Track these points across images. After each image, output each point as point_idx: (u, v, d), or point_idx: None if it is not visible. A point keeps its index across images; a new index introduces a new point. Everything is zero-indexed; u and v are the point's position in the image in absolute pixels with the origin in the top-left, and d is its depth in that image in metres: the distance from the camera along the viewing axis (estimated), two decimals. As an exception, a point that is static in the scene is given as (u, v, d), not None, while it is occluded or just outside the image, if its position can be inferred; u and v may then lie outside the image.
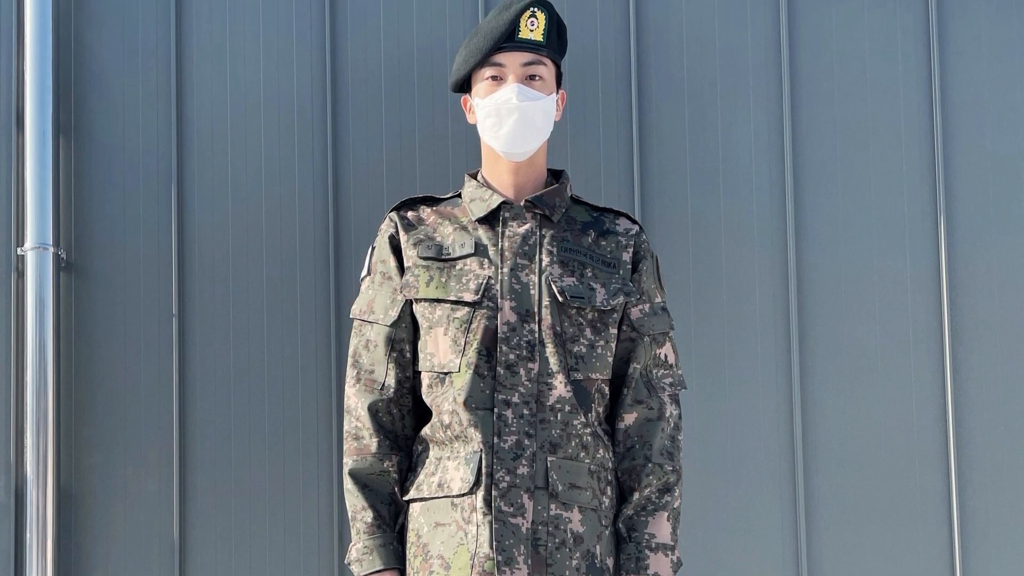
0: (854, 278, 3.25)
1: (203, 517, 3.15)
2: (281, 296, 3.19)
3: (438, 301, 2.66)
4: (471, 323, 2.62)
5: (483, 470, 2.57)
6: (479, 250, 2.69)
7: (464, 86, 2.79)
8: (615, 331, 2.69)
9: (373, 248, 2.79)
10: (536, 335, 2.62)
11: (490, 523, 2.55)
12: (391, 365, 2.69)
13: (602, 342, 2.67)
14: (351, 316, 2.76)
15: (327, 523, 3.15)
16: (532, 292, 2.65)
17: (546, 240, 2.70)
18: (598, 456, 2.65)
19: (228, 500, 3.15)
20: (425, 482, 2.64)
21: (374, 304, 2.73)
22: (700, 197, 3.24)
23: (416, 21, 3.24)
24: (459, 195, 2.80)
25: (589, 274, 2.69)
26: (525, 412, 2.59)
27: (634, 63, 3.26)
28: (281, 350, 3.18)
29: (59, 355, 3.13)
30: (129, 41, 3.22)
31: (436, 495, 2.61)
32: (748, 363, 3.22)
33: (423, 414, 2.70)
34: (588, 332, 2.66)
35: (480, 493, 2.56)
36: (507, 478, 2.56)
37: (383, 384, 2.68)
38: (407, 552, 2.64)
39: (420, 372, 2.69)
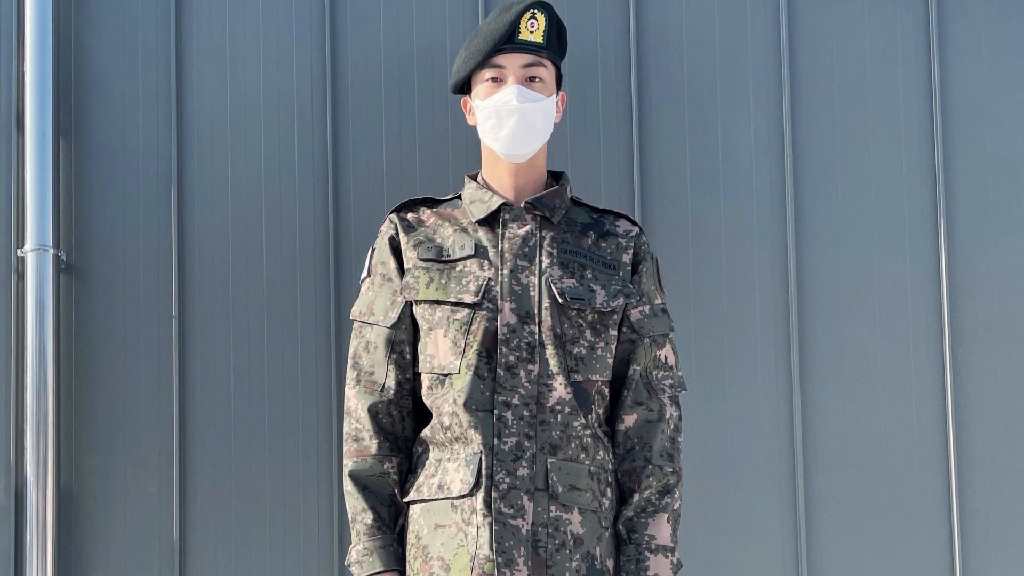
0: (854, 280, 3.25)
1: (203, 519, 3.15)
2: (281, 298, 3.19)
3: (438, 303, 2.66)
4: (471, 325, 2.62)
5: (483, 472, 2.57)
6: (479, 252, 2.69)
7: (464, 88, 2.79)
8: (615, 333, 2.69)
9: (373, 250, 2.79)
10: (536, 337, 2.62)
11: (490, 525, 2.55)
12: (391, 367, 2.69)
13: (602, 344, 2.67)
14: (351, 318, 2.76)
15: (327, 525, 3.15)
16: (532, 294, 2.65)
17: (546, 242, 2.70)
18: (598, 458, 2.65)
19: (228, 502, 3.15)
20: (425, 484, 2.64)
21: (374, 306, 2.73)
22: (700, 199, 3.24)
23: (416, 23, 3.24)
24: (459, 197, 2.80)
25: (589, 276, 2.69)
26: (525, 414, 2.59)
27: (634, 65, 3.26)
28: (281, 352, 3.18)
29: (59, 357, 3.13)
30: (129, 43, 3.22)
31: (436, 497, 2.61)
32: (748, 365, 3.22)
33: (423, 416, 2.70)
34: (588, 334, 2.66)
35: (480, 495, 2.56)
36: (507, 480, 2.56)
37: (383, 386, 2.68)
38: (407, 554, 2.64)
39: (420, 374, 2.69)
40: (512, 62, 2.69)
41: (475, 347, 2.61)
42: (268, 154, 3.21)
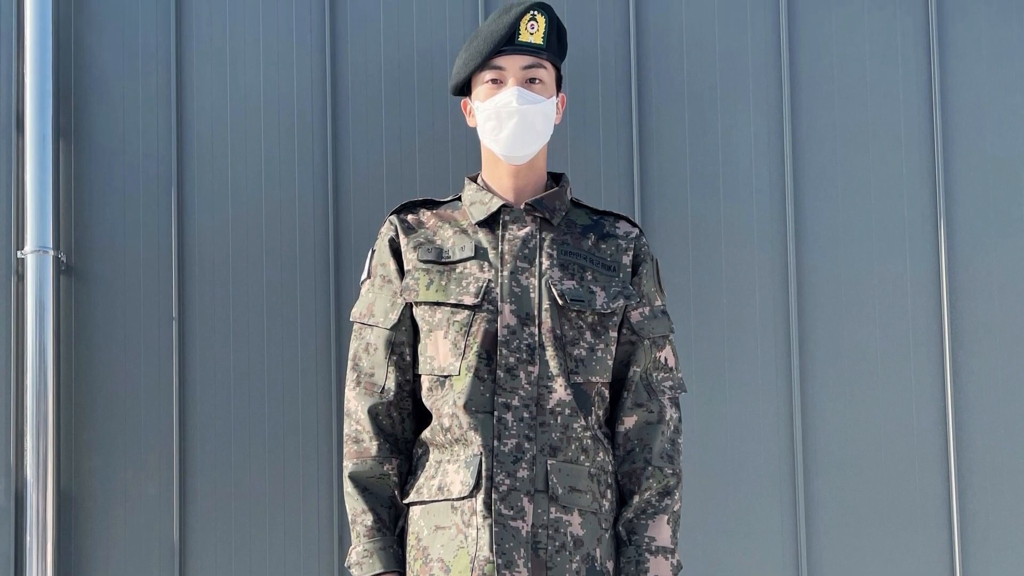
0: (854, 281, 3.25)
1: (203, 520, 3.15)
2: (281, 299, 3.19)
3: (438, 304, 2.66)
4: (471, 326, 2.62)
5: (483, 473, 2.57)
6: (479, 253, 2.69)
7: (464, 89, 2.79)
8: (615, 334, 2.69)
9: (373, 251, 2.79)
10: (536, 338, 2.62)
11: (490, 526, 2.55)
12: (391, 368, 2.69)
13: (602, 345, 2.67)
14: (351, 319, 2.76)
15: (327, 526, 3.15)
16: (532, 295, 2.64)
17: (546, 243, 2.70)
18: (598, 459, 2.65)
19: (228, 503, 3.15)
20: (425, 485, 2.64)
21: (374, 307, 2.73)
22: (700, 200, 3.24)
23: (416, 24, 3.24)
24: (459, 198, 2.80)
25: (589, 277, 2.69)
26: (525, 415, 2.59)
27: (634, 66, 3.26)
28: (281, 353, 3.18)
29: (59, 358, 3.13)
30: (129, 44, 3.22)
31: (436, 498, 2.61)
32: (748, 366, 3.22)
33: (423, 417, 2.70)
34: (588, 335, 2.66)
35: (480, 496, 2.56)
36: (507, 481, 2.56)
37: (383, 387, 2.68)
38: (407, 555, 2.64)
39: (420, 375, 2.69)
40: (512, 64, 2.70)
41: (475, 349, 2.61)
42: (268, 156, 3.21)
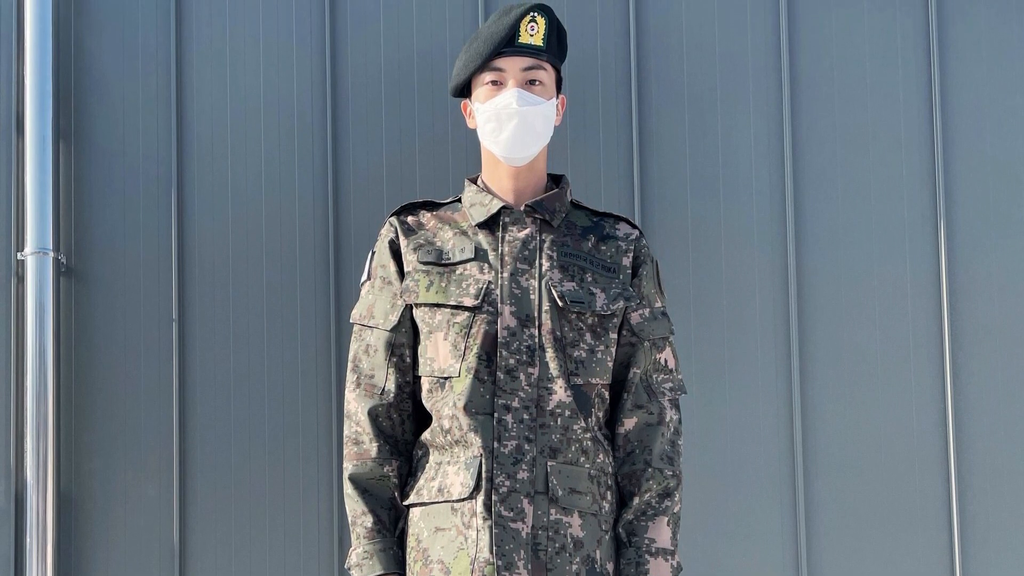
0: (854, 283, 3.25)
1: (203, 522, 3.15)
2: (281, 301, 3.19)
3: (438, 306, 2.66)
4: (471, 328, 2.62)
5: (483, 475, 2.57)
6: (479, 255, 2.69)
7: (464, 91, 2.79)
8: (615, 336, 2.69)
9: (373, 253, 2.79)
10: (536, 340, 2.62)
11: (490, 528, 2.54)
12: (391, 370, 2.69)
13: (602, 347, 2.67)
14: (351, 321, 2.76)
15: (327, 528, 3.15)
16: (532, 297, 2.64)
17: (546, 245, 2.70)
18: (598, 461, 2.65)
19: (228, 505, 3.15)
20: (425, 487, 2.64)
21: (374, 309, 2.72)
22: (700, 202, 3.24)
23: (416, 26, 3.24)
24: (459, 200, 2.80)
25: (589, 279, 2.69)
26: (525, 417, 2.59)
27: (634, 68, 3.26)
28: (281, 355, 3.18)
29: (59, 360, 3.13)
30: (129, 45, 3.22)
31: (436, 500, 2.61)
32: (748, 368, 3.22)
33: (423, 419, 2.70)
34: (588, 337, 2.66)
35: (480, 498, 2.56)
36: (507, 483, 2.56)
37: (383, 389, 2.68)
38: (407, 557, 2.64)
39: (420, 377, 2.69)
40: (512, 65, 2.70)
41: (475, 350, 2.61)
42: (268, 157, 3.21)
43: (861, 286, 3.25)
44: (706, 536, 3.17)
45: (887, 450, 3.22)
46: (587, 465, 2.63)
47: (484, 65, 2.71)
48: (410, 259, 2.72)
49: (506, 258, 2.67)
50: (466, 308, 2.64)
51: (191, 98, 3.22)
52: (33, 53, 3.13)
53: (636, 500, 2.66)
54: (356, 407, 2.68)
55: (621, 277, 2.72)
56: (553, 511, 2.58)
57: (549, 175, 2.81)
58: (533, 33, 2.70)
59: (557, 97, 2.76)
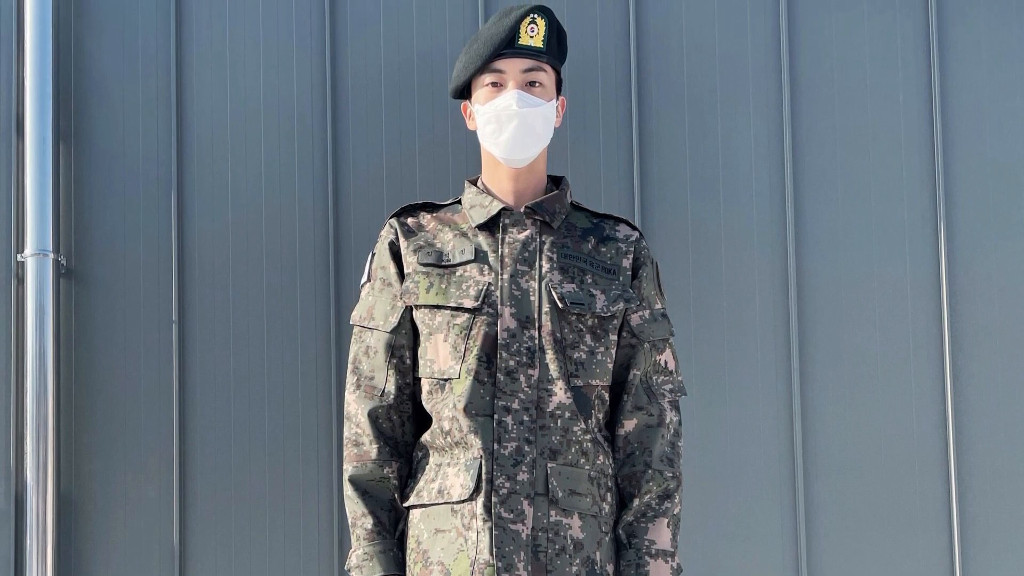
0: (854, 284, 3.25)
1: (203, 523, 3.15)
2: (281, 302, 3.19)
3: (438, 307, 2.66)
4: (471, 329, 2.62)
5: (483, 476, 2.56)
6: (479, 256, 2.69)
7: (464, 92, 2.79)
8: (615, 337, 2.69)
9: (373, 254, 2.79)
10: (536, 341, 2.62)
11: (490, 529, 2.54)
12: (391, 371, 2.69)
13: (602, 348, 2.67)
14: (351, 322, 2.76)
15: (327, 529, 3.15)
16: (532, 298, 2.64)
17: (546, 246, 2.70)
18: (598, 462, 2.65)
19: (228, 506, 3.15)
20: (425, 488, 2.64)
21: (374, 310, 2.72)
22: (700, 203, 3.24)
23: (416, 27, 3.25)
24: (459, 201, 2.80)
25: (589, 280, 2.69)
26: (525, 418, 2.59)
27: (634, 69, 3.26)
28: (281, 356, 3.18)
29: (59, 361, 3.13)
30: (129, 47, 3.22)
31: (436, 501, 2.61)
32: (748, 369, 3.22)
33: (423, 420, 2.70)
34: (588, 338, 2.66)
35: (480, 499, 2.56)
36: (507, 484, 2.56)
37: (383, 390, 2.68)
38: (407, 558, 2.64)
39: (420, 378, 2.69)
40: (512, 67, 2.69)
41: (475, 352, 2.61)
42: (268, 159, 3.21)
43: (861, 287, 3.25)
44: (706, 537, 3.17)
45: (887, 451, 3.22)
46: (587, 467, 2.63)
47: (484, 67, 2.70)
48: (410, 261, 2.71)
49: (506, 260, 2.67)
50: (466, 310, 2.64)
51: (191, 100, 3.22)
52: (33, 55, 3.13)
53: (636, 502, 2.66)
54: (356, 409, 2.68)
55: (621, 279, 2.72)
56: (553, 513, 2.58)
57: (549, 176, 2.81)
58: (533, 35, 2.70)
59: (557, 99, 2.76)
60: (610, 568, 2.64)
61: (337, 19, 3.24)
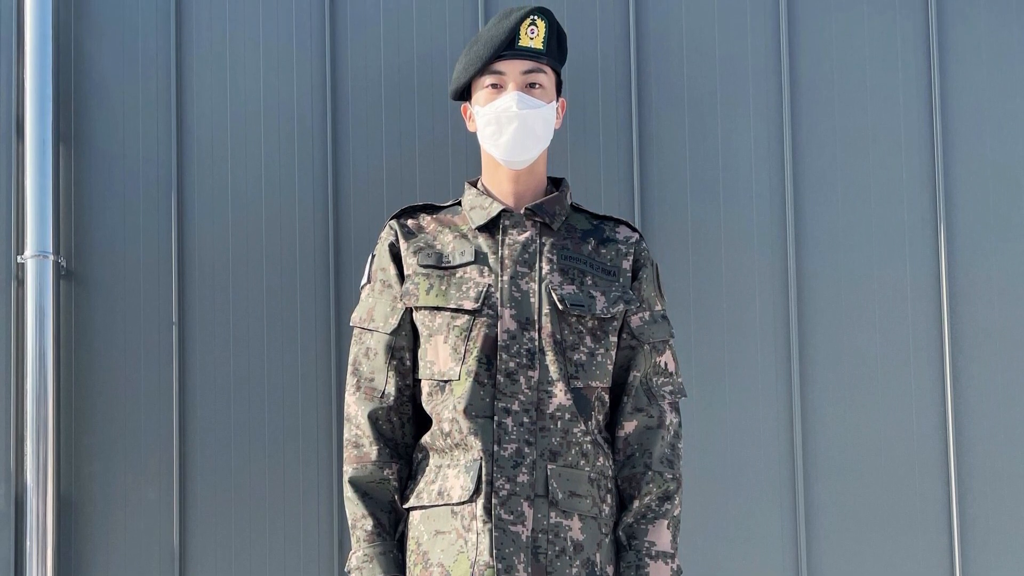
0: (854, 286, 3.25)
1: (203, 525, 3.15)
2: (281, 304, 3.19)
3: (438, 309, 2.66)
4: (471, 331, 2.62)
5: (483, 478, 2.56)
6: (479, 258, 2.69)
7: (464, 94, 2.79)
8: (615, 339, 2.69)
9: (373, 256, 2.79)
10: (536, 343, 2.62)
11: (490, 531, 2.54)
12: (391, 373, 2.69)
13: (602, 350, 2.67)
14: (351, 324, 2.76)
15: (327, 531, 3.15)
16: (532, 300, 2.64)
17: (546, 248, 2.70)
18: (598, 464, 2.65)
19: (228, 508, 3.15)
20: (425, 490, 2.64)
21: (374, 312, 2.72)
22: (700, 205, 3.24)
23: (416, 29, 3.25)
24: (459, 203, 2.81)
25: (589, 282, 2.69)
26: (525, 420, 2.59)
27: (634, 71, 3.26)
28: (281, 358, 3.18)
29: (59, 363, 3.13)
30: (129, 49, 3.22)
31: (436, 503, 2.61)
32: (748, 371, 3.22)
33: (423, 422, 2.70)
34: (588, 340, 2.66)
35: (480, 501, 2.56)
36: (507, 486, 2.56)
37: (383, 392, 2.68)
38: (407, 560, 2.64)
39: (420, 380, 2.69)
40: (512, 68, 2.70)
41: (475, 353, 2.61)
42: (268, 160, 3.21)
43: (861, 289, 3.25)
44: (706, 539, 3.16)
45: (887, 453, 3.22)
46: (587, 468, 2.63)
47: (484, 68, 2.70)
48: (410, 262, 2.72)
49: (506, 261, 2.67)
50: (466, 311, 2.64)
51: (191, 101, 3.22)
52: (33, 57, 3.13)
53: (636, 503, 2.66)
54: (356, 410, 2.68)
55: (621, 280, 2.72)
56: (553, 514, 2.58)
57: (549, 178, 2.81)
58: (533, 36, 2.70)
59: (557, 100, 2.76)
60: (610, 569, 2.64)
61: (337, 21, 3.25)
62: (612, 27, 3.27)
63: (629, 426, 2.69)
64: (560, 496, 2.59)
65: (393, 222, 2.78)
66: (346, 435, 2.70)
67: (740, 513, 3.19)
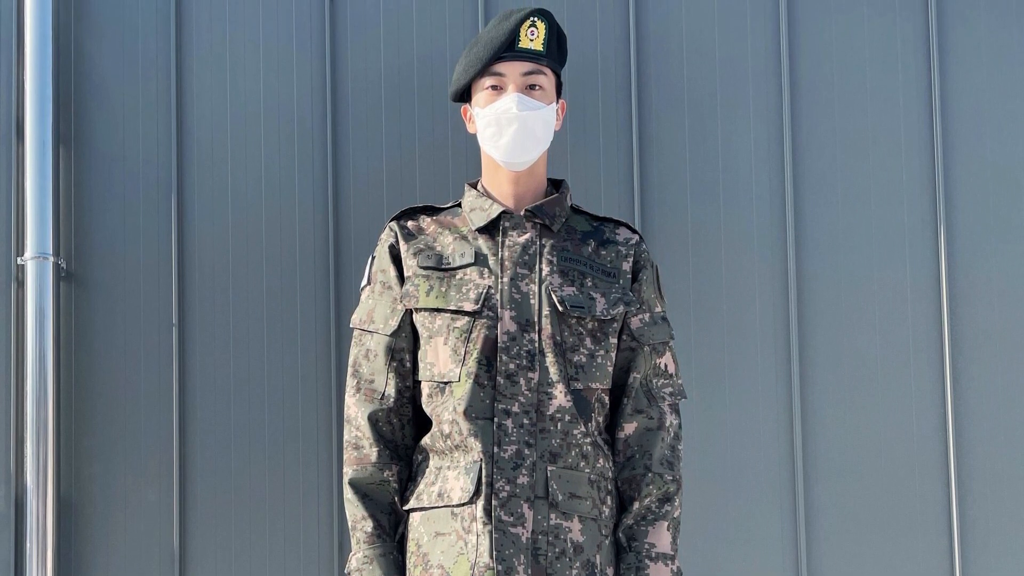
0: (854, 288, 3.25)
1: (203, 527, 3.15)
2: (281, 306, 3.19)
3: (438, 311, 2.66)
4: (471, 333, 2.62)
5: (483, 480, 2.56)
6: (479, 260, 2.69)
7: (464, 96, 2.79)
8: (615, 341, 2.69)
9: (373, 258, 2.79)
10: (536, 345, 2.62)
11: (490, 533, 2.54)
12: (391, 375, 2.69)
13: (602, 352, 2.67)
14: (351, 326, 2.76)
15: (327, 533, 3.15)
16: (532, 302, 2.64)
17: (546, 250, 2.70)
18: (598, 466, 2.65)
19: (228, 510, 3.15)
20: (425, 492, 2.64)
21: (374, 314, 2.72)
22: (700, 206, 3.24)
23: (416, 31, 3.25)
24: (459, 205, 2.81)
25: (589, 284, 2.69)
26: (525, 422, 2.59)
27: (634, 73, 3.26)
28: (281, 360, 3.18)
29: (59, 364, 3.13)
30: (129, 51, 3.23)
31: (436, 505, 2.61)
32: (748, 373, 3.22)
33: (423, 424, 2.70)
34: (588, 342, 2.66)
35: (480, 503, 2.56)
36: (507, 488, 2.56)
37: (383, 394, 2.68)
38: (407, 562, 2.64)
39: (420, 382, 2.69)
40: (512, 70, 2.70)
41: (475, 355, 2.61)
42: (268, 162, 3.21)
43: (861, 291, 3.25)
44: (706, 541, 3.16)
45: (887, 455, 3.22)
46: (587, 470, 2.63)
47: (484, 70, 2.71)
48: (410, 264, 2.72)
49: (506, 263, 2.67)
50: (466, 313, 2.64)
51: (191, 103, 3.22)
52: (33, 58, 3.13)
53: (636, 505, 2.66)
54: (356, 412, 2.68)
55: (621, 282, 2.72)
56: (553, 516, 2.58)
57: (549, 180, 2.81)
58: (533, 38, 2.70)
59: (557, 102, 2.76)
60: (610, 571, 2.64)
61: (337, 22, 3.25)
62: (612, 29, 3.27)
63: (629, 428, 2.69)
64: (560, 498, 2.59)
65: (393, 224, 2.78)
66: (346, 437, 2.70)
67: (740, 514, 3.19)
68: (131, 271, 3.18)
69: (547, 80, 2.72)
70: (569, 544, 2.58)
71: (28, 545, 3.05)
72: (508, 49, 2.69)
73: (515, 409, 2.59)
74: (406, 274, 2.72)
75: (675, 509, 2.68)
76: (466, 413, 2.59)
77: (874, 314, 3.24)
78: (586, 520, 2.61)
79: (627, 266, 2.74)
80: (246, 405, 3.16)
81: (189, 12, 3.23)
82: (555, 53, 2.74)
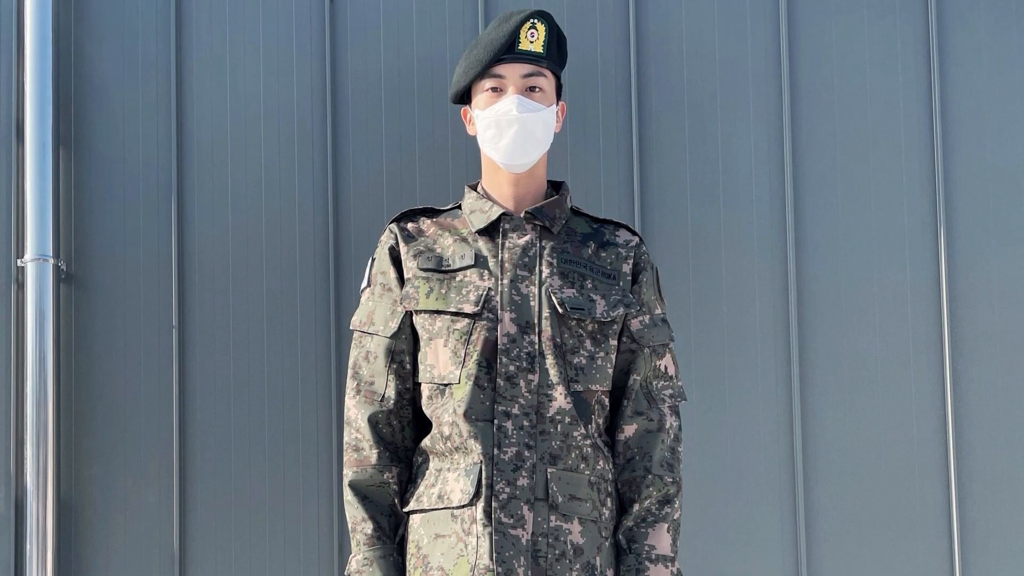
0: (854, 289, 3.25)
1: (203, 528, 3.15)
2: (281, 307, 3.19)
3: (438, 313, 2.66)
4: (471, 335, 2.62)
5: (483, 482, 2.56)
6: (479, 261, 2.69)
7: (464, 97, 2.79)
8: (615, 343, 2.69)
9: (373, 260, 2.79)
10: (536, 347, 2.62)
11: (490, 535, 2.54)
12: (391, 377, 2.69)
13: (602, 354, 2.67)
14: (351, 328, 2.76)
15: (327, 534, 3.15)
16: (532, 304, 2.64)
17: (546, 252, 2.70)
18: (598, 468, 2.65)
19: (228, 511, 3.15)
20: (425, 494, 2.64)
21: (374, 316, 2.72)
22: (700, 208, 3.24)
23: (416, 32, 3.25)
24: (459, 206, 2.81)
25: (589, 286, 2.69)
26: (525, 424, 2.59)
27: (634, 74, 3.26)
28: (281, 361, 3.18)
29: (59, 366, 3.13)
30: (129, 53, 3.23)
31: (436, 507, 2.61)
32: (748, 374, 3.22)
33: (423, 426, 2.70)
34: (588, 344, 2.66)
35: (480, 505, 2.56)
36: (507, 490, 2.56)
37: (383, 396, 2.68)
38: (407, 563, 2.64)
39: (420, 384, 2.69)
40: (512, 72, 2.70)
41: (475, 357, 2.61)
42: (268, 164, 3.21)
43: (861, 292, 3.25)
44: (706, 543, 3.16)
45: (887, 456, 3.22)
46: (587, 472, 2.63)
47: (484, 72, 2.71)
48: (410, 266, 2.72)
49: (506, 265, 2.67)
50: (466, 315, 2.64)
51: (191, 105, 3.22)
52: (33, 60, 3.13)
53: (636, 507, 2.66)
54: (356, 414, 2.68)
55: (621, 284, 2.72)
56: (553, 518, 2.58)
57: (549, 181, 2.81)
58: (533, 40, 2.70)
59: (557, 104, 2.76)
60: (610, 573, 2.64)
61: (337, 24, 3.25)
62: (612, 30, 3.27)
63: (629, 430, 2.69)
64: (560, 500, 2.59)
65: (393, 225, 2.79)
66: (346, 438, 2.70)
67: (740, 516, 3.19)
68: (131, 273, 3.18)
69: (547, 82, 2.72)
70: (569, 546, 2.58)
71: (28, 547, 3.05)
72: (508, 51, 2.69)
73: (515, 411, 2.59)
74: (406, 276, 2.72)
75: (675, 511, 2.68)
76: (466, 415, 2.59)
77: (874, 316, 3.24)
78: (586, 522, 2.61)
79: (627, 268, 2.75)
80: (246, 407, 3.16)
81: (189, 14, 3.23)
82: (555, 55, 2.74)
